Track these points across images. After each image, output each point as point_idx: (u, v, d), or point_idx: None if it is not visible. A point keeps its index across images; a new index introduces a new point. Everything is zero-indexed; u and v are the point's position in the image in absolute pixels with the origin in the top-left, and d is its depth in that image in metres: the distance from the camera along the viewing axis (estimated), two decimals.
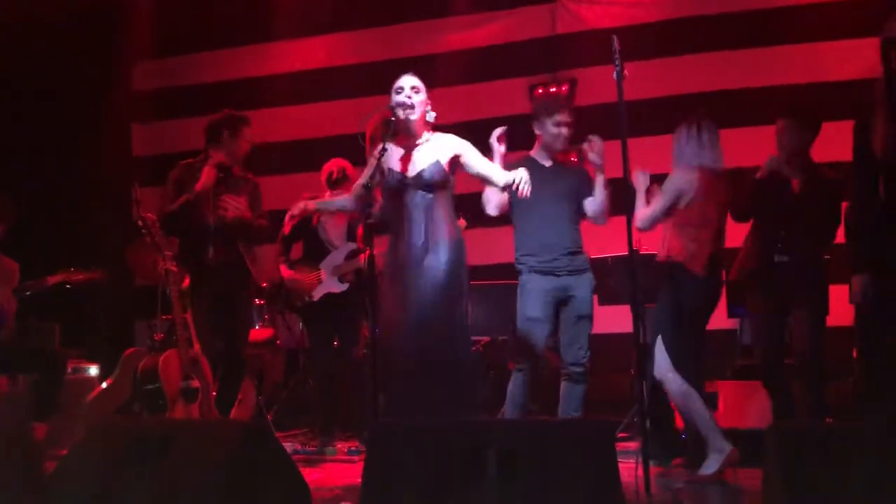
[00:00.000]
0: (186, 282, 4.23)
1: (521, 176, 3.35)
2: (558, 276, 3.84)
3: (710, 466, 3.56)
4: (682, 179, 3.71)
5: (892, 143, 3.01)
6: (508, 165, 3.97)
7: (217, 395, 4.13)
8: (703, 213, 3.71)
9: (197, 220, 4.14)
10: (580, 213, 3.96)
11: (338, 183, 4.76)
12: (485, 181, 3.60)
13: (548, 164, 3.97)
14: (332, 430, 4.75)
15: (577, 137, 3.99)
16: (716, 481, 3.53)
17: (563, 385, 3.86)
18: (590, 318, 3.88)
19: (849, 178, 3.29)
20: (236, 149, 4.31)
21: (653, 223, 3.76)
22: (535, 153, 4.02)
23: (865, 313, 3.55)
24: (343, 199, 3.86)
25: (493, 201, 3.90)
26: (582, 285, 3.87)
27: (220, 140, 4.28)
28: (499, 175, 3.50)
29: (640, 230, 3.74)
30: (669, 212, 3.73)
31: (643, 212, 3.75)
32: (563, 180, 3.92)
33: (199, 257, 4.17)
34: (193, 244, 4.19)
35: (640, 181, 3.79)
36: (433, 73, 3.63)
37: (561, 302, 3.86)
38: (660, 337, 3.66)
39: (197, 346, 4.02)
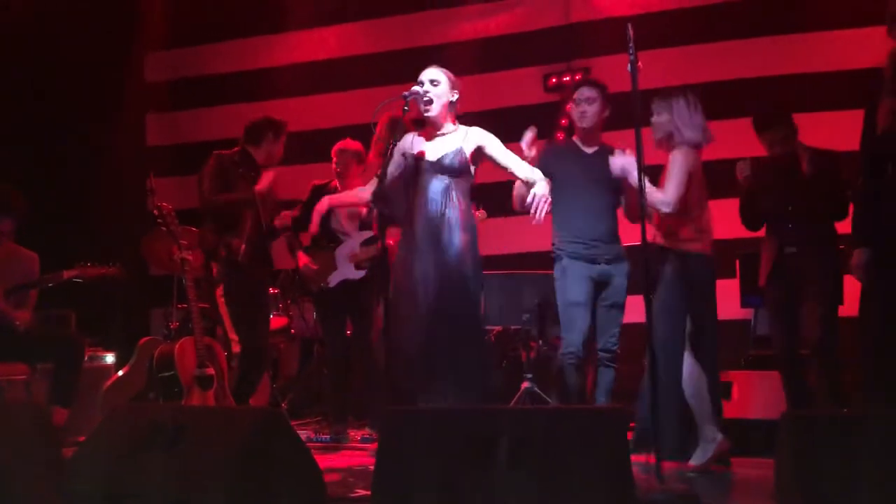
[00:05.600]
0: (214, 270, 4.31)
1: (539, 193, 3.29)
2: (598, 263, 3.84)
3: (700, 456, 3.54)
4: (692, 158, 3.62)
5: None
6: (547, 153, 3.97)
7: (237, 387, 4.18)
8: (700, 194, 3.65)
9: (235, 216, 4.24)
10: (618, 202, 3.92)
11: (339, 157, 4.81)
12: (509, 173, 3.56)
13: (590, 150, 3.93)
14: (345, 418, 4.79)
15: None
16: (728, 471, 3.53)
17: (596, 371, 3.89)
18: (623, 306, 3.87)
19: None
20: (275, 151, 4.45)
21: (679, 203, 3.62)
22: (577, 138, 4.01)
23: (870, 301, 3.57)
24: (356, 191, 3.85)
25: (522, 197, 3.83)
26: (619, 273, 3.86)
27: (262, 140, 4.40)
28: (523, 169, 3.49)
29: (671, 213, 3.61)
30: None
31: (660, 196, 3.56)
32: (604, 167, 3.82)
33: (231, 252, 4.22)
34: (229, 239, 4.23)
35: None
36: (447, 63, 3.62)
37: (598, 289, 3.85)
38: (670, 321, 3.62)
39: (233, 336, 4.14)
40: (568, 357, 3.80)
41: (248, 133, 4.43)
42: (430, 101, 3.44)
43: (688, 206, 3.60)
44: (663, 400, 3.61)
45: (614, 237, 3.90)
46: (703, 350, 3.64)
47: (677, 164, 3.59)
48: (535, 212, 3.29)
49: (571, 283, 3.82)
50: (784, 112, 4.02)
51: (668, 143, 3.67)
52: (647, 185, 3.54)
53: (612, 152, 3.90)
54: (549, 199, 3.30)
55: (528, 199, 3.33)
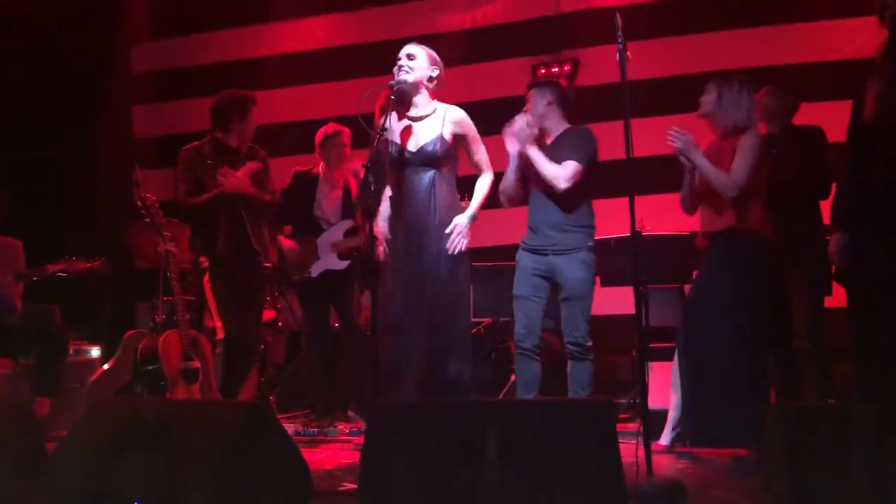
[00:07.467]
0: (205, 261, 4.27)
1: (458, 224, 3.37)
2: (545, 255, 3.79)
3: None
4: (762, 142, 3.54)
5: (887, 100, 2.98)
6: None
7: (224, 381, 4.14)
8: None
9: (209, 215, 4.09)
10: (576, 191, 3.80)
11: (324, 145, 4.77)
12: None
13: (550, 139, 3.92)
14: (333, 412, 4.76)
15: (579, 118, 3.95)
16: (718, 461, 3.54)
17: (569, 365, 3.86)
18: (581, 297, 3.75)
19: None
20: (246, 131, 4.20)
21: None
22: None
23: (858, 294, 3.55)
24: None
25: (507, 191, 3.87)
26: (570, 265, 3.75)
27: (229, 125, 4.15)
28: (482, 175, 3.52)
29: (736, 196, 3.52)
30: None
31: (726, 179, 3.46)
32: (561, 156, 3.81)
33: (212, 248, 4.13)
34: (205, 234, 4.15)
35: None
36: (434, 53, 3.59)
37: (552, 282, 3.82)
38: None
39: (217, 323, 4.11)
40: (517, 349, 3.81)
41: (213, 119, 4.18)
42: (406, 72, 3.41)
43: (757, 190, 3.53)
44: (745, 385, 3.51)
45: (569, 227, 3.79)
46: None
47: (749, 148, 3.49)
48: (449, 245, 3.36)
49: (517, 276, 3.85)
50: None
51: (712, 124, 3.62)
52: (710, 169, 3.46)
53: (575, 133, 3.87)
54: (465, 234, 3.37)
55: (448, 229, 3.39)
